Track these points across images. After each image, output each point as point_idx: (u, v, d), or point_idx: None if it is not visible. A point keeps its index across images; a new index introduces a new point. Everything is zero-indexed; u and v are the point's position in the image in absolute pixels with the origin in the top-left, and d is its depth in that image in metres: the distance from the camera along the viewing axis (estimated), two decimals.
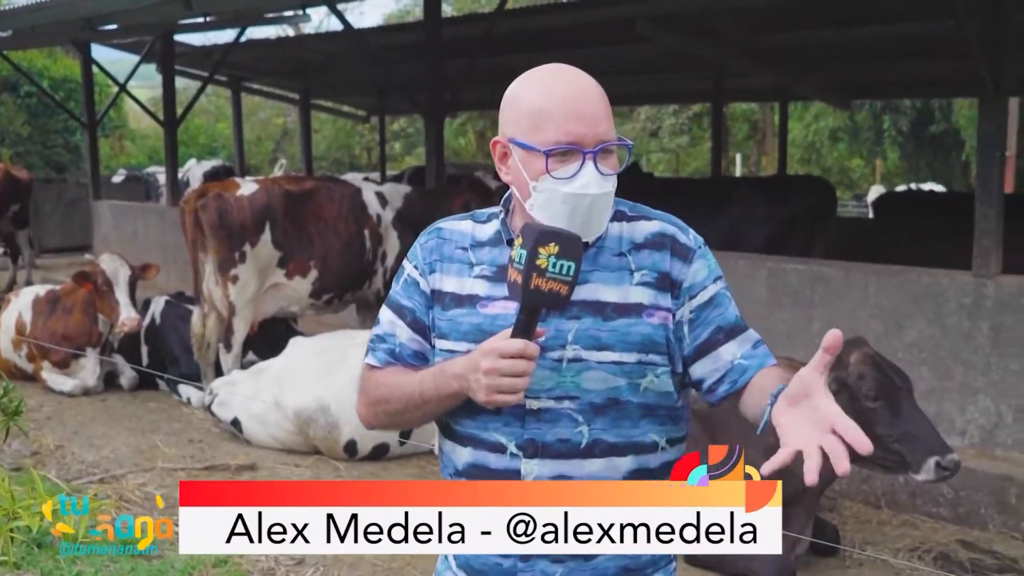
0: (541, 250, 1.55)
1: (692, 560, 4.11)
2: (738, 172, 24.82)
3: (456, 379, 1.64)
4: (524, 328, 1.59)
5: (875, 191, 20.83)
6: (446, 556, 1.80)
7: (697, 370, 1.74)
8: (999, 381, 4.92)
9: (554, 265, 1.55)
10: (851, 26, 8.43)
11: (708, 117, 20.15)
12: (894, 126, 22.72)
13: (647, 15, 8.41)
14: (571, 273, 1.56)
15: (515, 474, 1.67)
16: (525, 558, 1.66)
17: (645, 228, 1.75)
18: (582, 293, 1.68)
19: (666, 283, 1.71)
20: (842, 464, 1.39)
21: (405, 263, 1.83)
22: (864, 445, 1.41)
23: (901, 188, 20.74)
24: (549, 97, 1.66)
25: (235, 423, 5.86)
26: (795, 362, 3.80)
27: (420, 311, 1.78)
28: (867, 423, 3.61)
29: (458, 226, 1.81)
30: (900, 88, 14.94)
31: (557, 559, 1.65)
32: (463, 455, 1.74)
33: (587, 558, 1.66)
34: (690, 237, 1.76)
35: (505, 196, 1.79)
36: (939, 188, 20.10)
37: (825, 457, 1.39)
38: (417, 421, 1.80)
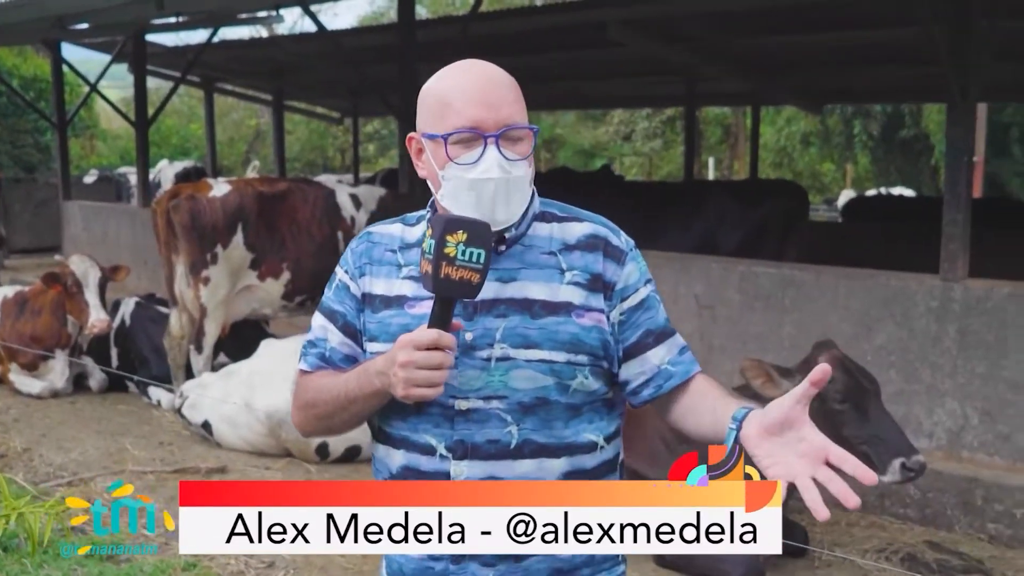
0: (449, 238, 1.53)
1: (661, 560, 4.13)
2: (711, 176, 24.95)
3: (378, 376, 1.62)
4: (439, 319, 1.57)
5: (845, 195, 21.02)
6: (381, 564, 1.79)
7: (623, 372, 1.74)
8: (966, 384, 4.98)
9: (463, 253, 1.53)
10: (821, 32, 8.50)
11: (681, 121, 20.26)
12: (865, 131, 22.91)
13: (619, 19, 8.44)
14: (481, 260, 1.54)
15: (444, 476, 1.66)
16: (457, 560, 1.65)
17: (577, 230, 1.75)
18: (510, 291, 1.67)
19: (598, 284, 1.70)
20: (851, 499, 1.40)
21: (337, 268, 1.82)
22: (868, 476, 1.41)
23: (871, 192, 20.91)
24: (453, 86, 1.67)
25: (205, 425, 5.83)
26: (764, 364, 3.83)
27: (351, 315, 1.77)
28: (834, 424, 3.65)
29: (388, 229, 1.81)
30: (870, 93, 15.06)
31: (488, 562, 1.64)
32: (396, 458, 1.72)
33: (518, 559, 1.64)
34: (622, 240, 1.76)
35: (432, 198, 1.78)
36: (909, 192, 20.31)
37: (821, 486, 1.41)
38: (346, 423, 1.76)
